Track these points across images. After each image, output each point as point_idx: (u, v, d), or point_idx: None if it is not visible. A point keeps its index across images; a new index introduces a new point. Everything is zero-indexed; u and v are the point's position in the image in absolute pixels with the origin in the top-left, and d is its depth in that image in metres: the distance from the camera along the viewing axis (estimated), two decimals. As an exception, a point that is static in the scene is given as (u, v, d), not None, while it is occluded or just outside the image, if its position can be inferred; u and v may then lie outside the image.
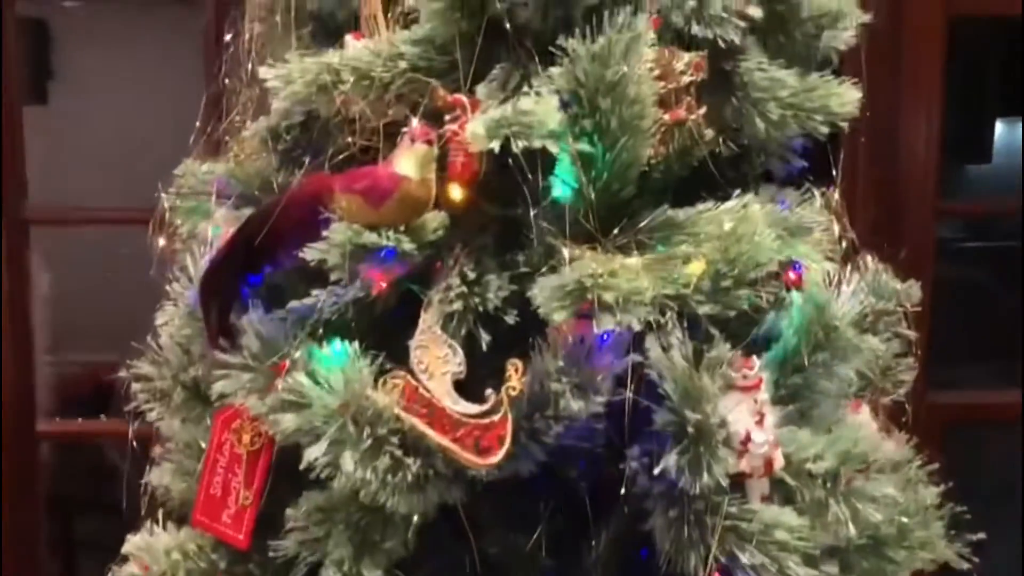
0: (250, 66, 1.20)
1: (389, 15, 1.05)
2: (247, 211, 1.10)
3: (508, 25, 0.95)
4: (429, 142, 0.93)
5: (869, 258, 1.22)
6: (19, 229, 2.05)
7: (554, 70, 0.93)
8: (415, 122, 0.95)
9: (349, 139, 0.99)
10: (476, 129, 0.91)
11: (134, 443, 1.18)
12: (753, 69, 1.05)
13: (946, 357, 2.05)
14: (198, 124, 1.22)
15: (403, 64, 1.01)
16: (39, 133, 2.59)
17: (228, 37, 1.24)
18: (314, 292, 1.03)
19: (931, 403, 1.91)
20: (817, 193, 1.15)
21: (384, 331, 1.04)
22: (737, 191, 1.04)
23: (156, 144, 1.25)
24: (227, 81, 1.26)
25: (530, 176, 0.93)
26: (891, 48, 1.88)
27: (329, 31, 1.14)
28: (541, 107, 0.92)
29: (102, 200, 2.42)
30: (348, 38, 1.08)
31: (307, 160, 1.10)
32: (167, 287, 1.16)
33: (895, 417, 1.30)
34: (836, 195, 1.15)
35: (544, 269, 0.93)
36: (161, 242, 1.14)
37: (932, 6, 1.89)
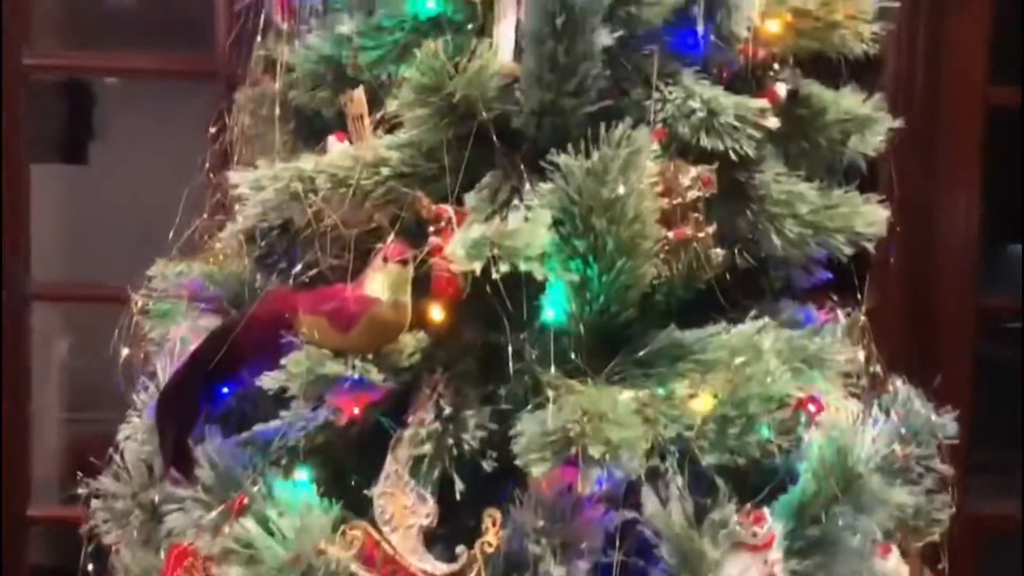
0: (235, 160, 1.13)
1: (372, 114, 0.97)
2: (218, 320, 1.02)
3: (495, 137, 0.87)
4: (404, 262, 0.84)
5: (900, 383, 1.11)
6: (20, 305, 1.99)
7: (545, 187, 0.84)
8: (390, 238, 0.87)
9: (319, 254, 0.90)
10: (456, 249, 0.83)
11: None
12: (770, 181, 0.96)
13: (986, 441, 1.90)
14: (177, 220, 1.15)
15: (386, 170, 0.92)
16: (78, 192, 2.54)
17: (213, 130, 1.18)
18: (283, 413, 0.94)
19: (968, 515, 1.76)
20: (841, 314, 1.05)
21: (362, 451, 0.94)
22: (752, 312, 0.94)
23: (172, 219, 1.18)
24: (212, 175, 1.19)
25: (514, 301, 0.84)
26: (925, 141, 1.78)
27: (315, 129, 1.07)
28: (529, 226, 0.83)
29: (132, 258, 2.37)
30: (331, 139, 1.01)
31: (282, 267, 1.02)
32: (133, 396, 1.09)
33: (931, 557, 1.17)
34: (862, 317, 1.05)
35: (530, 406, 0.83)
36: (125, 351, 1.06)
37: (970, 99, 1.79)
